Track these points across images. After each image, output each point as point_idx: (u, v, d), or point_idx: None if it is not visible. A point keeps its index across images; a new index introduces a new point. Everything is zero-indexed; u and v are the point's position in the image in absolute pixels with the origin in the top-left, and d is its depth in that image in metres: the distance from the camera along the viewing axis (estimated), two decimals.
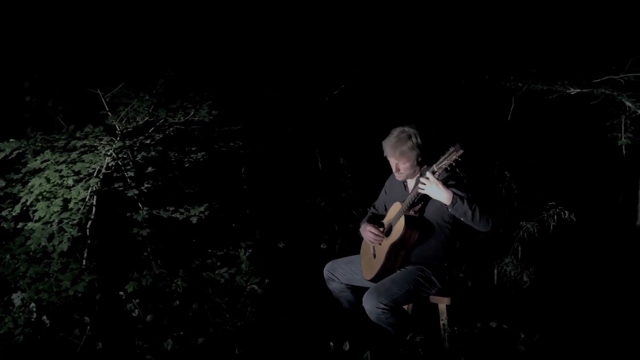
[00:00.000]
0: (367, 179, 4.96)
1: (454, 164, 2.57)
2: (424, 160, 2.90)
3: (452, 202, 2.65)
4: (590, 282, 3.53)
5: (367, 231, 2.99)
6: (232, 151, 3.90)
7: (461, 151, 2.54)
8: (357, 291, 3.08)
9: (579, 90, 4.92)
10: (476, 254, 3.52)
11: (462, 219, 2.70)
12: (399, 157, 2.84)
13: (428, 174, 2.66)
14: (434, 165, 2.66)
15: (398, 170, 2.89)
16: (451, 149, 2.59)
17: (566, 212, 3.28)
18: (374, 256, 2.99)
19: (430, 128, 2.92)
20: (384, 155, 2.90)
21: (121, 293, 2.83)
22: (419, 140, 2.81)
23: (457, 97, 5.61)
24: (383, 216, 3.10)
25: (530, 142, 5.17)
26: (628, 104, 4.80)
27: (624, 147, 5.02)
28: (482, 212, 2.65)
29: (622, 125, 4.99)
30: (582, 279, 3.54)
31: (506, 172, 4.26)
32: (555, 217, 3.30)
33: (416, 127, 2.86)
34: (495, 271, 3.36)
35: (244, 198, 4.49)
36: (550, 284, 3.40)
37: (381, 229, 2.99)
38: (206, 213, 3.02)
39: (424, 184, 2.67)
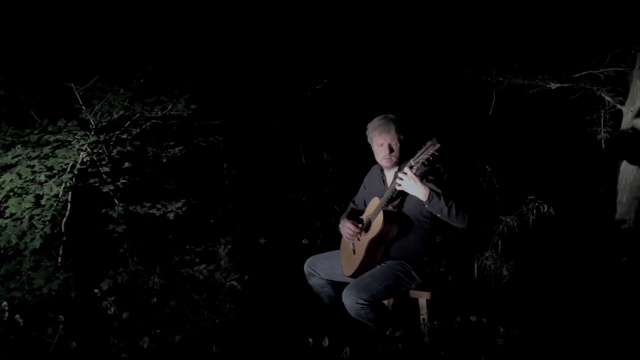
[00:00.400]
0: (349, 174, 4.94)
1: (431, 158, 2.56)
2: (405, 152, 2.90)
3: (428, 199, 2.64)
4: (568, 275, 3.55)
5: (346, 227, 2.97)
6: (212, 146, 3.84)
7: (438, 145, 2.52)
8: (338, 286, 3.06)
9: (559, 85, 4.96)
10: (456, 248, 3.52)
11: (438, 215, 2.69)
12: (392, 136, 2.83)
13: (406, 169, 2.64)
14: (412, 160, 2.65)
15: (392, 151, 2.85)
16: (428, 143, 2.58)
17: (545, 206, 3.30)
18: (354, 252, 2.97)
19: (411, 123, 2.90)
20: (369, 140, 2.89)
21: (96, 291, 2.76)
22: (403, 125, 2.85)
23: (439, 92, 5.61)
24: (363, 211, 3.08)
25: (511, 136, 5.19)
26: (607, 98, 4.85)
27: (603, 142, 5.09)
28: (458, 209, 2.65)
29: (602, 119, 5.05)
30: (560, 273, 3.56)
31: (487, 167, 4.26)
32: (535, 211, 3.31)
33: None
34: (476, 265, 3.36)
35: (225, 193, 4.44)
36: (530, 278, 3.42)
37: (360, 225, 2.97)
38: (184, 209, 2.96)
39: (401, 179, 2.66)
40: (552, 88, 5.00)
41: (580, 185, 4.93)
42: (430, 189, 2.65)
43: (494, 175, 4.28)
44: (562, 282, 3.43)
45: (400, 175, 2.68)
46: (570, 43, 5.07)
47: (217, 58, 5.05)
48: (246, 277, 3.06)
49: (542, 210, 3.30)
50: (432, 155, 2.54)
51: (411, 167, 2.65)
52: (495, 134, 5.13)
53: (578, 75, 4.93)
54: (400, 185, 2.67)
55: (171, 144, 3.39)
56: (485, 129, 5.23)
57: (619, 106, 4.79)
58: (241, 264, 3.28)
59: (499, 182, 4.25)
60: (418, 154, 2.61)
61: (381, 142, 2.86)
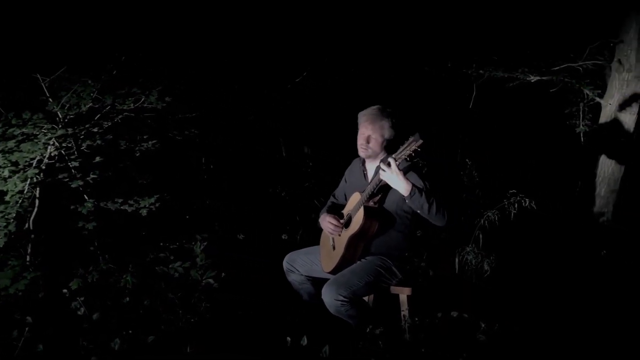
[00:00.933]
0: (329, 168, 4.87)
1: (413, 154, 2.50)
2: (389, 147, 2.84)
3: (410, 194, 2.59)
4: (549, 269, 3.54)
5: (326, 222, 2.90)
6: (188, 140, 3.73)
7: (421, 141, 2.46)
8: (318, 283, 2.99)
9: (538, 78, 4.97)
10: (437, 243, 3.49)
11: (418, 212, 2.64)
12: (375, 128, 2.76)
13: (390, 160, 2.58)
14: (394, 155, 2.58)
15: (368, 142, 2.79)
16: (411, 139, 2.52)
17: (527, 200, 3.27)
18: (333, 248, 2.90)
19: (403, 122, 2.84)
20: (358, 124, 2.82)
21: (65, 291, 2.65)
22: (396, 122, 2.77)
23: (420, 84, 5.57)
24: (343, 206, 3.02)
25: (492, 130, 5.18)
26: (586, 91, 4.87)
27: (582, 134, 5.11)
28: (439, 206, 2.60)
29: (580, 112, 5.07)
30: (542, 267, 3.55)
31: (467, 160, 4.23)
32: (516, 205, 3.28)
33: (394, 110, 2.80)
34: (457, 260, 3.33)
35: (202, 188, 4.33)
36: (511, 272, 3.39)
37: (340, 220, 2.90)
38: (157, 205, 2.86)
39: (385, 170, 2.60)
40: (532, 81, 5.00)
41: (559, 179, 4.94)
42: (413, 184, 2.59)
43: (474, 168, 4.25)
44: (543, 276, 3.42)
45: (383, 166, 2.61)
46: (549, 36, 5.08)
47: (193, 50, 4.91)
48: (223, 274, 2.97)
49: (524, 204, 3.27)
50: (415, 151, 2.48)
51: (395, 161, 2.59)
52: (476, 128, 5.10)
53: (557, 68, 4.96)
54: (383, 176, 2.61)
55: (145, 137, 3.26)
56: (466, 123, 5.20)
57: (597, 99, 4.81)
58: (219, 260, 3.19)
59: (479, 176, 4.22)
60: (400, 149, 2.54)
61: (363, 130, 2.81)
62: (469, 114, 5.08)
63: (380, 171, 2.62)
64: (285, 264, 3.10)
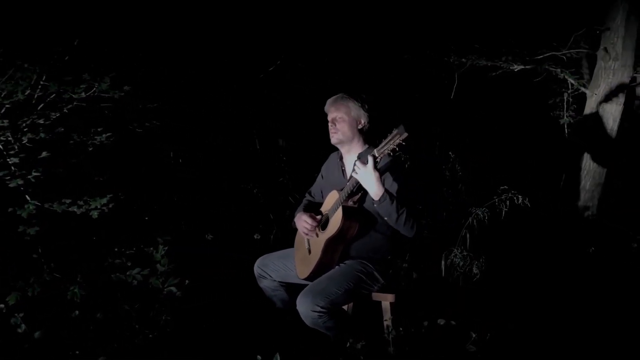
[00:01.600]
0: (306, 162, 4.57)
1: (397, 148, 2.24)
2: (367, 139, 2.58)
3: (379, 199, 2.34)
4: (542, 271, 3.31)
5: (302, 221, 2.63)
6: (150, 132, 3.39)
7: (406, 134, 2.20)
8: (293, 289, 2.72)
9: (522, 67, 4.78)
10: (421, 243, 3.25)
11: (385, 218, 2.40)
12: (339, 109, 2.55)
13: (369, 158, 2.32)
14: (375, 150, 2.32)
15: (334, 124, 2.57)
16: (394, 132, 2.25)
17: (519, 197, 3.04)
18: (309, 251, 2.63)
19: (375, 106, 2.58)
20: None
21: (2, 306, 2.31)
22: (367, 106, 2.55)
23: (399, 74, 5.32)
24: (320, 204, 2.74)
25: (475, 121, 4.96)
26: (571, 80, 4.69)
27: (566, 126, 4.94)
28: (408, 218, 2.37)
29: (564, 103, 4.89)
30: (534, 268, 3.31)
31: (450, 153, 4.00)
32: (508, 203, 3.05)
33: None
34: (443, 262, 3.09)
35: (169, 185, 3.99)
36: (502, 275, 3.17)
37: (318, 218, 2.63)
38: (110, 205, 2.53)
39: (359, 168, 2.34)
40: (515, 70, 4.81)
41: (544, 172, 4.76)
42: (385, 190, 2.34)
43: (457, 162, 4.02)
44: (536, 278, 3.19)
45: (359, 163, 2.35)
46: (533, 23, 4.89)
47: (158, 35, 4.55)
48: (187, 281, 2.67)
49: (516, 201, 3.04)
50: (399, 145, 2.22)
51: (375, 158, 2.33)
52: (458, 119, 4.88)
53: (541, 57, 4.77)
54: (356, 173, 2.35)
55: (99, 130, 2.92)
56: (447, 113, 4.97)
57: (582, 89, 4.64)
58: (184, 265, 2.88)
59: (462, 170, 3.99)
60: (383, 143, 2.28)
61: (330, 116, 2.60)
62: (450, 104, 4.84)
63: (355, 167, 2.36)
64: (256, 269, 2.82)
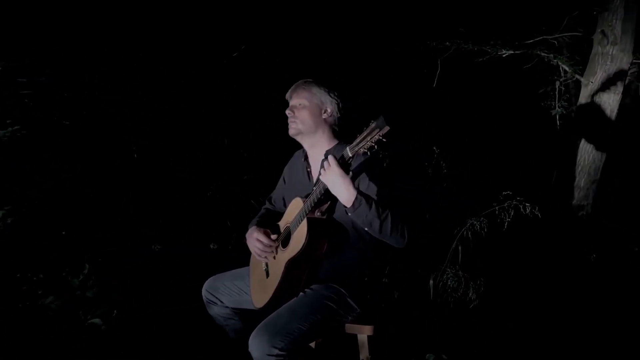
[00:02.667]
0: (272, 158, 4.04)
1: (376, 146, 1.75)
2: (338, 134, 2.12)
3: (353, 205, 1.86)
4: (553, 299, 2.78)
5: (254, 240, 2.12)
6: (80, 124, 2.82)
7: (387, 127, 1.72)
8: (250, 317, 2.23)
9: (511, 52, 4.33)
10: (404, 253, 2.76)
11: (366, 229, 1.91)
12: (298, 94, 2.12)
13: (330, 158, 1.84)
14: (348, 148, 1.83)
15: (292, 113, 2.12)
16: (372, 124, 1.76)
17: (527, 205, 2.55)
18: (267, 274, 2.13)
19: (342, 90, 2.11)
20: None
21: None
22: (332, 91, 2.12)
23: (374, 59, 4.81)
24: (281, 214, 2.23)
25: (460, 112, 4.50)
26: (565, 67, 4.28)
27: (558, 117, 4.54)
28: (395, 224, 1.90)
29: (556, 92, 4.48)
30: (543, 294, 2.78)
31: (435, 148, 3.53)
32: (512, 212, 2.56)
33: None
34: (432, 282, 2.59)
35: (107, 187, 3.41)
36: (504, 302, 2.62)
37: (274, 236, 2.13)
38: (9, 220, 1.97)
39: (324, 169, 1.86)
40: (504, 56, 4.36)
41: (534, 168, 4.33)
42: (359, 192, 1.85)
43: (442, 158, 3.56)
44: (544, 306, 2.67)
45: (325, 164, 1.86)
46: (522, 5, 4.45)
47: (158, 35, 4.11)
48: (115, 312, 2.13)
49: (523, 211, 2.55)
50: (379, 142, 1.73)
51: (345, 159, 1.84)
52: (441, 109, 4.41)
53: (532, 41, 4.33)
54: (321, 176, 1.87)
55: (8, 122, 2.35)
56: (429, 104, 4.50)
57: (577, 76, 4.22)
58: (120, 285, 2.34)
59: (448, 167, 3.53)
60: (358, 139, 1.79)
61: (289, 102, 2.16)
62: (432, 93, 4.38)
63: (320, 169, 1.87)
64: (204, 294, 2.31)
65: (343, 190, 1.86)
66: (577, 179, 4.16)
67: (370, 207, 1.86)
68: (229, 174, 3.94)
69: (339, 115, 2.11)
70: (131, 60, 3.91)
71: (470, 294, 2.50)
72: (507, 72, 4.56)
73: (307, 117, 2.08)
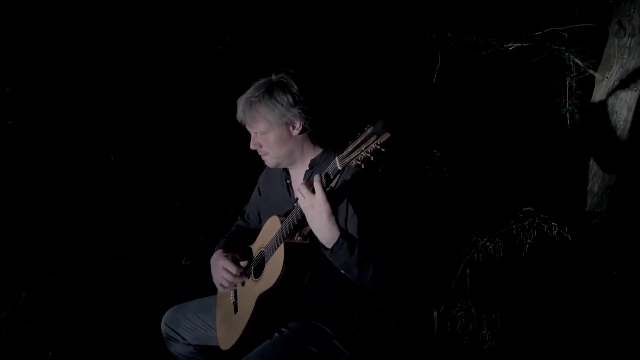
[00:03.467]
0: (251, 162, 3.64)
1: (372, 157, 1.37)
2: (324, 140, 1.72)
3: (333, 248, 1.49)
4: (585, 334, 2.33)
5: (219, 269, 1.75)
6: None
7: (387, 135, 1.35)
8: (218, 354, 1.85)
9: (518, 45, 3.97)
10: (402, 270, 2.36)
11: (342, 271, 1.53)
12: (252, 122, 1.68)
13: (315, 181, 1.46)
14: (337, 160, 1.44)
15: (259, 146, 1.72)
16: (368, 130, 1.40)
17: (555, 225, 2.13)
18: (235, 309, 1.75)
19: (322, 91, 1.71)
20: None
21: None
22: (295, 96, 1.63)
23: (367, 52, 4.44)
24: (256, 232, 1.85)
25: (464, 112, 4.13)
26: (577, 61, 3.94)
27: (568, 117, 4.17)
28: (377, 275, 1.51)
29: (567, 88, 4.12)
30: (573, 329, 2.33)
31: (435, 151, 3.15)
32: (534, 232, 2.14)
33: (298, 75, 1.65)
34: (436, 314, 2.17)
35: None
36: (525, 341, 2.17)
37: (244, 263, 1.75)
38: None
39: (303, 196, 1.48)
40: (510, 49, 4.01)
41: (541, 172, 3.97)
42: (342, 233, 1.48)
43: (443, 161, 3.19)
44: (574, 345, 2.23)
45: (302, 188, 1.48)
46: None
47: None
48: (50, 353, 1.75)
49: (550, 232, 2.13)
50: (376, 152, 1.36)
51: (328, 177, 1.46)
52: (442, 107, 4.05)
53: (540, 33, 3.98)
54: (300, 201, 1.49)
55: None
56: (429, 101, 4.12)
57: (590, 71, 3.87)
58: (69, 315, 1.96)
59: (450, 172, 3.16)
60: (349, 148, 1.41)
61: (249, 130, 1.73)
62: (432, 89, 4.01)
63: (298, 191, 1.49)
64: (163, 328, 1.94)
65: (325, 231, 1.48)
66: (590, 184, 3.83)
67: (352, 252, 1.47)
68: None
69: (312, 118, 1.66)
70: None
71: (483, 332, 2.09)
72: (512, 66, 4.21)
73: (277, 146, 1.68)
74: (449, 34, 3.90)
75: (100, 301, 2.53)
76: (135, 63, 3.81)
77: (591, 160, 3.78)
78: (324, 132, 1.72)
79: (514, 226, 2.23)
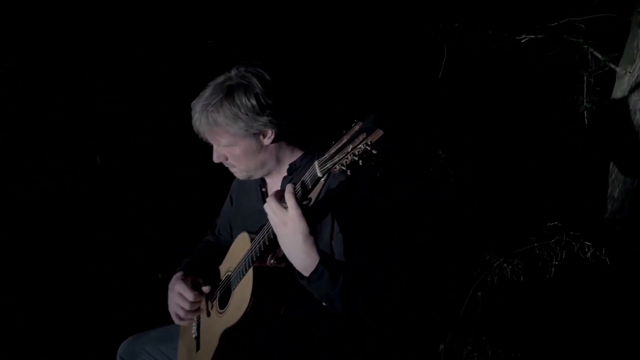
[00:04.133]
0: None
1: (361, 161, 1.07)
2: (303, 141, 1.41)
3: (310, 277, 1.18)
4: None
5: (176, 294, 1.44)
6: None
7: (379, 132, 1.04)
8: None
9: (532, 37, 3.70)
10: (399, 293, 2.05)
11: (323, 303, 1.23)
12: (213, 135, 1.36)
13: (288, 194, 1.16)
14: (316, 164, 1.13)
15: (224, 159, 1.41)
16: (355, 127, 1.10)
17: (589, 245, 1.78)
18: (197, 345, 1.45)
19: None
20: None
21: None
22: (262, 100, 1.31)
23: (365, 43, 4.17)
24: (227, 248, 1.53)
25: (471, 110, 3.84)
26: (596, 54, 3.67)
27: (586, 115, 3.88)
28: (354, 296, 1.20)
29: (585, 84, 3.83)
30: None
31: (440, 152, 2.84)
32: (562, 251, 1.79)
33: (267, 67, 1.34)
34: (442, 347, 1.82)
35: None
36: None
37: (207, 289, 1.44)
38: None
39: (274, 212, 1.17)
40: (522, 41, 3.73)
41: (554, 175, 3.67)
42: (322, 258, 1.17)
43: (449, 163, 2.89)
44: None
45: (270, 202, 1.18)
46: None
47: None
48: None
49: (582, 253, 1.78)
50: (365, 155, 1.06)
51: (308, 187, 1.17)
52: (448, 105, 3.77)
53: (555, 24, 3.70)
54: (271, 219, 1.19)
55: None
56: (433, 100, 3.82)
57: (611, 65, 3.59)
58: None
59: (456, 174, 2.86)
60: (332, 150, 1.12)
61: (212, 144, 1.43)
62: (437, 85, 3.74)
63: (267, 209, 1.19)
64: None
65: (301, 255, 1.17)
66: (610, 189, 3.57)
67: (335, 282, 1.17)
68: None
69: (287, 122, 1.34)
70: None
71: None
72: (524, 60, 3.93)
73: (246, 159, 1.37)
74: (456, 24, 3.60)
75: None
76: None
77: (611, 164, 3.53)
78: (306, 131, 1.41)
79: (537, 244, 1.87)
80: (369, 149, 1.05)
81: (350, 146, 1.07)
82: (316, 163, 1.14)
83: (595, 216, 3.43)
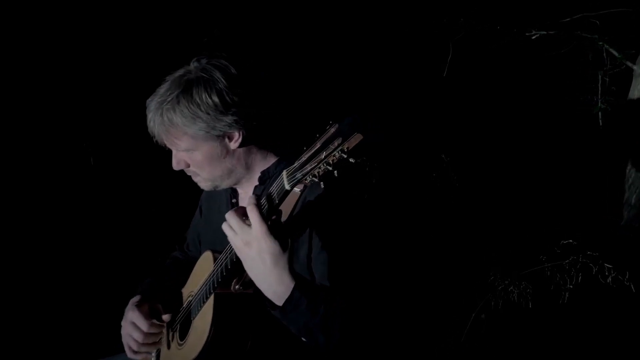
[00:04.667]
0: None
1: (336, 172, 0.89)
2: (275, 144, 1.24)
3: (285, 306, 1.01)
4: None
5: (129, 324, 1.26)
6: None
7: (358, 137, 0.85)
8: None
9: (543, 33, 3.55)
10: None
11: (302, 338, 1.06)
12: (169, 139, 1.19)
13: (251, 204, 0.98)
14: (284, 175, 0.95)
15: (185, 165, 1.23)
16: (330, 130, 0.91)
17: (609, 267, 1.56)
18: None
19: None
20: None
21: None
22: (225, 97, 1.12)
23: (363, 36, 4.03)
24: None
25: (477, 109, 3.68)
26: (612, 51, 3.50)
27: (600, 115, 3.71)
28: (332, 329, 1.01)
29: (600, 84, 3.67)
30: None
31: (443, 156, 2.66)
32: (579, 275, 1.56)
33: (233, 59, 1.16)
34: None
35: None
36: None
37: (167, 317, 1.26)
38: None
39: (234, 231, 0.99)
40: (533, 37, 3.58)
41: (567, 180, 3.50)
42: (297, 283, 1.00)
43: (452, 168, 2.72)
44: None
45: (230, 217, 1.00)
46: None
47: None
48: None
49: (603, 279, 1.55)
50: (340, 163, 0.87)
51: (274, 201, 0.98)
52: (453, 105, 3.62)
53: (569, 19, 3.55)
54: (231, 240, 1.00)
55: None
56: (437, 97, 3.66)
57: (628, 64, 3.45)
58: None
59: (460, 180, 2.69)
60: (302, 158, 0.93)
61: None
62: (442, 84, 3.56)
63: (225, 227, 1.01)
64: None
65: (270, 281, 1.00)
66: (626, 195, 3.41)
67: (315, 312, 0.98)
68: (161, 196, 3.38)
69: (256, 122, 1.16)
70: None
71: None
72: (535, 59, 3.76)
73: (209, 166, 1.19)
74: (461, 19, 3.43)
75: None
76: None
77: (628, 168, 3.36)
78: (281, 133, 1.22)
79: (548, 265, 1.64)
80: (345, 157, 0.86)
81: (324, 153, 0.88)
82: (284, 173, 0.96)
83: (617, 232, 3.24)
